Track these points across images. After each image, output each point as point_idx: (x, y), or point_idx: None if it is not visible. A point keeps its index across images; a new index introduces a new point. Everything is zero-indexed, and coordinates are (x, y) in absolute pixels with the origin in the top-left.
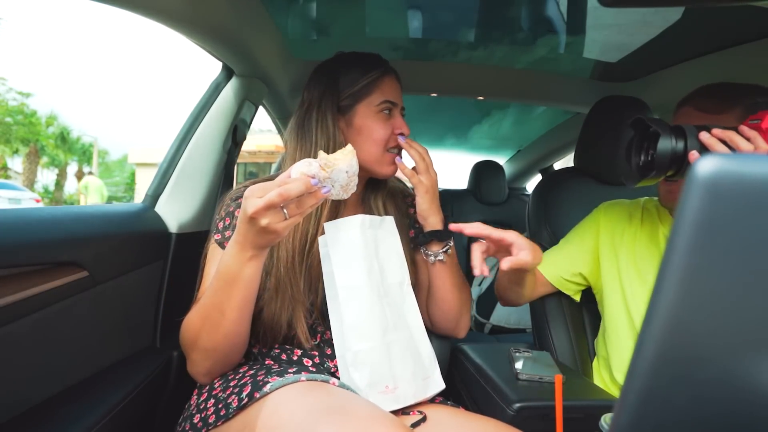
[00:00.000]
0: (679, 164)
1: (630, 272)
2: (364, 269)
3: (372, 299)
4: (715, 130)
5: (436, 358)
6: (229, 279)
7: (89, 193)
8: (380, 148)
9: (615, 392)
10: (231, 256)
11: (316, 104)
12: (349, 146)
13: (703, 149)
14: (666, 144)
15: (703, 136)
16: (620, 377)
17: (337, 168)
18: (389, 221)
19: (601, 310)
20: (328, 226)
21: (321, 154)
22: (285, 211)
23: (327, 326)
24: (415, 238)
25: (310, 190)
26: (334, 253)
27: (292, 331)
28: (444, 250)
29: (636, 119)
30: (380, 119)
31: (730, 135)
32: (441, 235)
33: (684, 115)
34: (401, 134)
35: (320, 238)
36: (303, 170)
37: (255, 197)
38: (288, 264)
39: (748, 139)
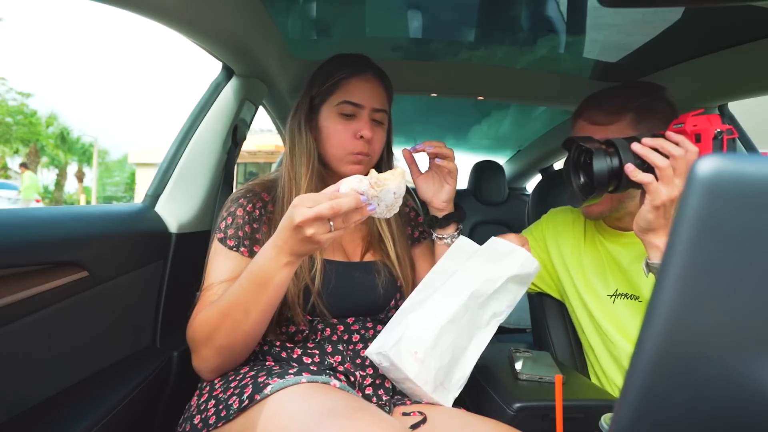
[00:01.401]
0: (618, 179)
1: (580, 281)
2: (486, 278)
3: (467, 297)
4: (645, 140)
5: (463, 386)
6: (260, 281)
7: (23, 189)
8: (339, 150)
9: (610, 390)
10: (267, 258)
11: (298, 105)
12: (399, 168)
13: (637, 160)
14: (601, 163)
15: (635, 147)
16: (615, 377)
17: (386, 188)
18: (535, 271)
19: (571, 315)
20: (499, 241)
21: (372, 172)
22: (331, 223)
23: (327, 323)
24: (430, 222)
25: (360, 206)
26: (479, 256)
27: (284, 315)
28: (457, 231)
29: (567, 140)
30: (339, 121)
31: (660, 143)
32: (460, 216)
33: (579, 129)
34: (362, 137)
35: (468, 243)
36: (354, 186)
37: (304, 206)
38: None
39: (676, 144)
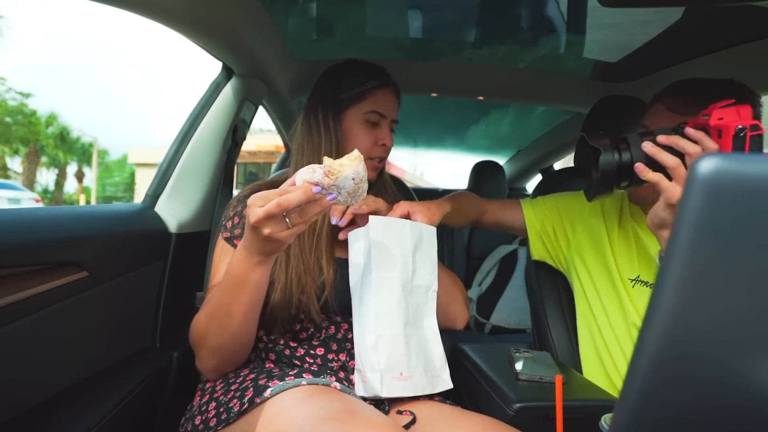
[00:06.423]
0: (630, 175)
1: (599, 261)
2: (399, 264)
3: (400, 292)
4: (660, 138)
5: (446, 362)
6: (236, 282)
7: None
8: (362, 154)
9: (605, 383)
10: (239, 260)
11: (320, 103)
12: (356, 152)
13: (650, 159)
14: (608, 159)
15: (646, 146)
16: (622, 367)
17: (343, 175)
18: (430, 231)
19: (577, 291)
20: (375, 219)
21: (326, 160)
22: (287, 219)
23: (331, 321)
24: None
25: (312, 198)
26: (376, 245)
27: (300, 313)
28: None
29: (579, 138)
30: (365, 127)
31: (675, 140)
32: None
33: (655, 112)
34: (384, 145)
35: (359, 231)
36: (306, 177)
37: (256, 206)
38: (300, 258)
39: (695, 141)
